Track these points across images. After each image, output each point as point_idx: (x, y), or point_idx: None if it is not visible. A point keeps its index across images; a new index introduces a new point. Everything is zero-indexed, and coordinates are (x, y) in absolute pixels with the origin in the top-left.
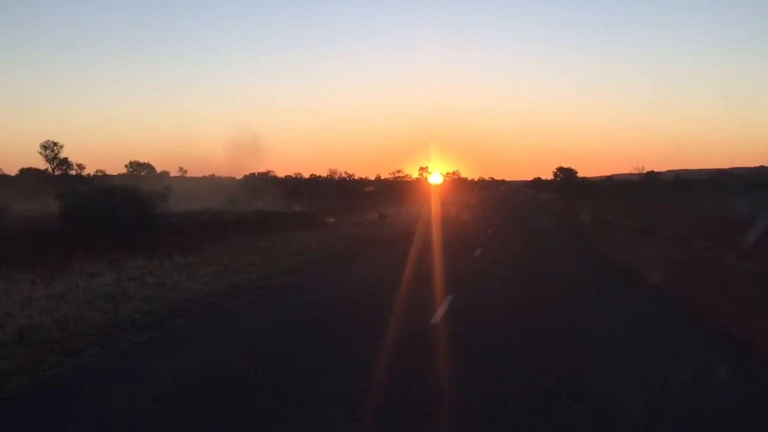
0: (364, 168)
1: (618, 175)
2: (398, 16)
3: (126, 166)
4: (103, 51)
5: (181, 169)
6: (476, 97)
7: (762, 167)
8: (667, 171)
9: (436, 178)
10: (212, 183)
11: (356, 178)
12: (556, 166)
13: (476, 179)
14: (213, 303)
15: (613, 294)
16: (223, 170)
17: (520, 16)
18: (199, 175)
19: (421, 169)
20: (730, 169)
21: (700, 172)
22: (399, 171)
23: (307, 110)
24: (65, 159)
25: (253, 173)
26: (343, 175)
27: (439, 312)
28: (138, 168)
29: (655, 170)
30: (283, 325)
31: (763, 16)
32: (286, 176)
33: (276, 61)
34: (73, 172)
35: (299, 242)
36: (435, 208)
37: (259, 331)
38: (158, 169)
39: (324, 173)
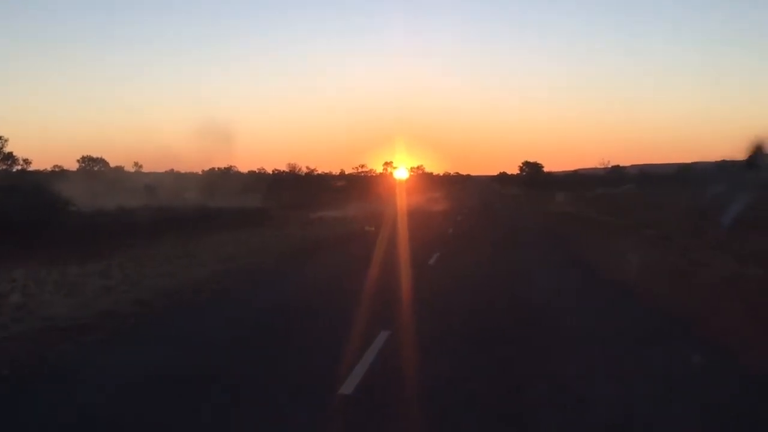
0: (328, 163)
1: (584, 169)
2: (362, 8)
3: (78, 161)
4: (54, 40)
5: (136, 163)
6: (441, 91)
7: (724, 161)
8: (632, 165)
9: (401, 173)
10: (168, 178)
11: (319, 173)
12: (522, 160)
13: (441, 174)
14: (48, 344)
15: (615, 336)
16: (184, 165)
17: (486, 10)
18: (158, 170)
19: (386, 163)
20: (692, 163)
21: (664, 167)
22: (362, 166)
23: (270, 104)
24: (10, 153)
25: (214, 168)
26: (305, 169)
27: (359, 369)
28: (91, 163)
29: (621, 165)
30: (96, 408)
31: (724, 14)
32: (249, 171)
33: (236, 54)
34: (19, 167)
35: (236, 244)
36: (395, 205)
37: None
38: (112, 164)
39: (287, 168)
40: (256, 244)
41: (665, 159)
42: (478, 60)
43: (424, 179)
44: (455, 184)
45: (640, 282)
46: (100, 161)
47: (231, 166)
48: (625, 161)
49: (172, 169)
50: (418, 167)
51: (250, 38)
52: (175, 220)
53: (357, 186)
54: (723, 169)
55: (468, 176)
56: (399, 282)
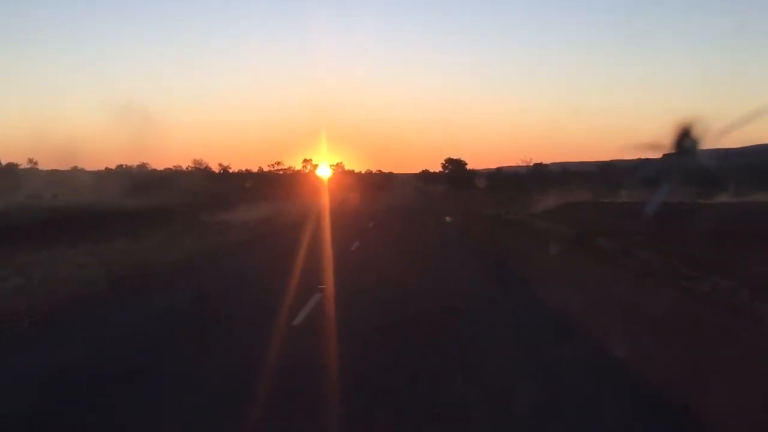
0: (248, 160)
1: (506, 167)
2: (283, 2)
3: None
4: None
5: (30, 160)
6: (363, 88)
7: (641, 160)
8: (553, 163)
9: (321, 170)
10: (58, 176)
11: (233, 170)
12: (445, 158)
13: (363, 172)
14: None
15: None
16: (90, 162)
17: (408, 7)
18: (60, 167)
19: (305, 161)
20: (612, 161)
21: (586, 165)
22: (278, 163)
23: (188, 100)
24: None
25: (122, 165)
26: (218, 167)
27: None
28: None
29: (543, 162)
30: None
31: (641, 10)
32: (165, 169)
33: (152, 46)
34: None
35: (49, 267)
36: (306, 207)
37: None
38: (4, 161)
39: (193, 165)
40: (81, 267)
41: (585, 157)
42: (400, 56)
43: (345, 177)
44: (376, 183)
45: None
46: None
47: (144, 163)
48: (547, 159)
49: (76, 167)
50: (337, 165)
51: (169, 31)
52: (17, 228)
53: (272, 185)
54: (642, 167)
55: (390, 174)
56: (244, 353)
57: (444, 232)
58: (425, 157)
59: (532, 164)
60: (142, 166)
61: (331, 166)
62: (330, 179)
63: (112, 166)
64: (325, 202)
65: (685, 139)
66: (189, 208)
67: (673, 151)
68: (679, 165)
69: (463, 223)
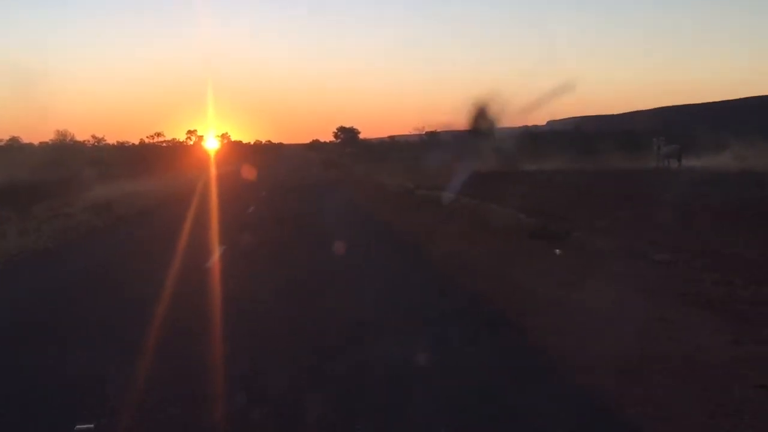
0: (126, 131)
1: (399, 135)
2: None
3: None
4: None
5: None
6: (250, 55)
7: (526, 126)
8: (444, 131)
9: (209, 142)
10: None
11: (108, 143)
12: (337, 126)
13: (252, 143)
14: None
15: None
16: None
17: None
18: None
19: (189, 132)
20: (511, 128)
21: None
22: (159, 134)
23: (60, 64)
24: None
25: None
26: (91, 139)
27: None
28: None
29: (436, 130)
30: None
31: None
32: (40, 143)
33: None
34: None
35: None
36: (172, 185)
37: None
38: None
39: (55, 137)
40: None
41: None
42: (289, 22)
43: (232, 149)
44: (265, 154)
45: None
46: None
47: (15, 137)
48: (438, 127)
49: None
50: (223, 135)
51: None
52: None
53: (149, 158)
54: (526, 133)
55: (281, 144)
56: None
57: (345, 222)
58: (316, 126)
59: (425, 133)
60: (13, 140)
61: (216, 136)
62: (216, 151)
63: None
64: (201, 178)
65: (481, 120)
66: (29, 190)
67: (470, 130)
68: (476, 145)
69: (372, 203)
